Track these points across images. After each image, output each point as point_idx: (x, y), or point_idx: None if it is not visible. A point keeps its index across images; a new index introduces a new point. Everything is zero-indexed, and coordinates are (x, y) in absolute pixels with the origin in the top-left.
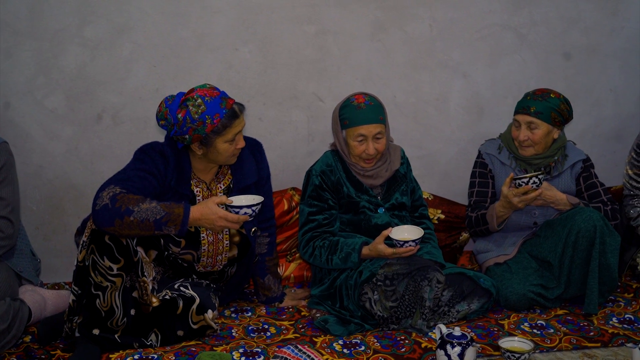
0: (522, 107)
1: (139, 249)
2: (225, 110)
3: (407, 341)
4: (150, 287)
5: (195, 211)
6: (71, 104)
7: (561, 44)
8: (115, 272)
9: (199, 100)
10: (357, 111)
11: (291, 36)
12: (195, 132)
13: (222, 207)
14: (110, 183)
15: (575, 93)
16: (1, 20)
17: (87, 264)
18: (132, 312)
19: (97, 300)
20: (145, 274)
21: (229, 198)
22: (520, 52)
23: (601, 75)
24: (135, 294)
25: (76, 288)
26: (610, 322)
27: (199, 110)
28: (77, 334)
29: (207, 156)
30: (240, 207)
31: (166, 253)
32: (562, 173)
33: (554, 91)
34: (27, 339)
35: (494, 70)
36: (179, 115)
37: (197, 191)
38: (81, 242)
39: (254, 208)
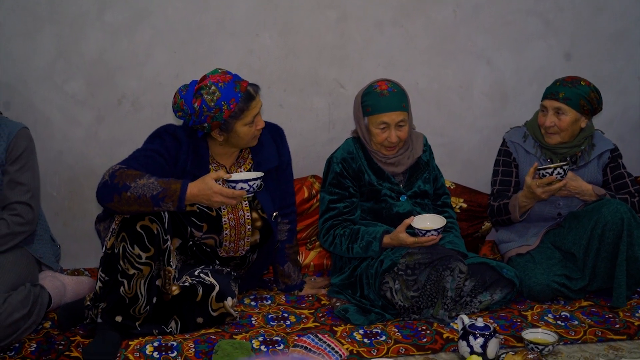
0: (551, 93)
1: (168, 238)
2: (240, 93)
3: (428, 331)
4: (173, 276)
5: (192, 187)
6: (91, 89)
7: (588, 29)
8: (143, 260)
9: (213, 87)
10: (380, 98)
11: (312, 22)
12: (213, 120)
13: (221, 183)
14: (117, 164)
15: (601, 80)
16: (21, 4)
17: (116, 251)
18: (154, 299)
19: (122, 288)
20: (170, 263)
21: (230, 174)
22: (545, 38)
23: (629, 62)
24: (158, 282)
25: (103, 275)
26: (637, 315)
27: (214, 98)
28: (99, 320)
29: (228, 141)
30: (237, 181)
31: (190, 242)
32: (589, 163)
33: (584, 79)
34: (47, 324)
35: (519, 56)
36: (195, 105)
37: None
38: (111, 229)
39: (250, 183)
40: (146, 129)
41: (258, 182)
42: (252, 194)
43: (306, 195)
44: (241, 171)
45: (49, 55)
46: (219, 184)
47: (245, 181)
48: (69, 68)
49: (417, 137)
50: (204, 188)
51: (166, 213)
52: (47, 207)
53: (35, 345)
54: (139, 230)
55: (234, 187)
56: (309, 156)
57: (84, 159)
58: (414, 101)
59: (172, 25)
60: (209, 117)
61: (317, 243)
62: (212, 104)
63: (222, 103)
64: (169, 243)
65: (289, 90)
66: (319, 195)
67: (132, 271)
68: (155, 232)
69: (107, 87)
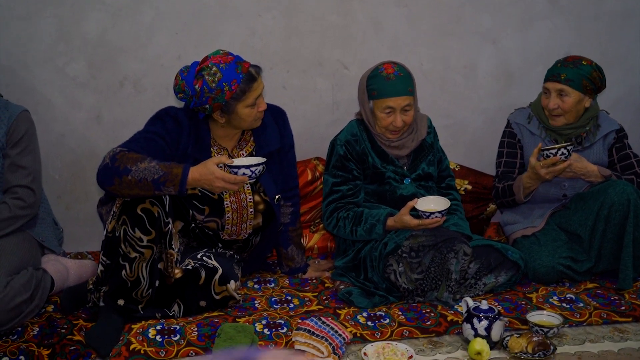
0: (552, 74)
1: (169, 220)
2: (242, 74)
3: (432, 314)
4: (175, 259)
5: (194, 171)
6: (93, 71)
7: (594, 9)
8: (145, 243)
9: (214, 68)
10: (386, 82)
11: (316, 2)
12: (215, 101)
13: (223, 168)
14: (118, 146)
15: (608, 60)
16: None
17: (117, 234)
18: (157, 283)
19: (123, 271)
20: (172, 246)
21: (232, 159)
22: (551, 18)
23: (636, 41)
24: (160, 266)
25: (105, 259)
26: None
27: (216, 79)
28: (101, 304)
29: (230, 123)
30: (239, 167)
31: (192, 225)
32: (594, 144)
33: (586, 58)
34: (50, 308)
35: (525, 36)
36: (196, 86)
37: None
38: (111, 213)
39: (252, 169)
40: (148, 111)
41: (260, 167)
42: (254, 179)
43: (310, 177)
44: (243, 154)
45: (49, 37)
46: (221, 169)
47: (248, 167)
48: (70, 50)
49: (422, 119)
50: (205, 173)
51: (167, 196)
52: (49, 191)
53: (37, 329)
54: (140, 213)
55: (236, 173)
56: (312, 138)
57: (86, 142)
58: (418, 82)
59: (174, 7)
60: (210, 98)
61: (321, 226)
62: (214, 85)
63: (224, 84)
64: (170, 226)
65: (292, 71)
66: (322, 178)
67: (133, 254)
68: (156, 215)
69: (108, 69)
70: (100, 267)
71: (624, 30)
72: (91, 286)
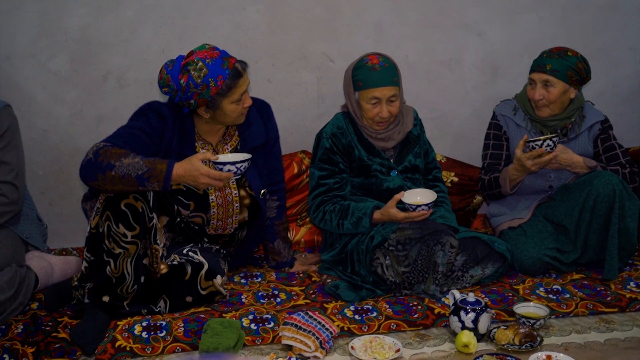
0: (538, 65)
1: (154, 215)
2: (228, 70)
3: (419, 307)
4: (160, 254)
5: (178, 168)
6: (75, 66)
7: (579, 1)
8: (129, 239)
9: (200, 63)
10: (371, 73)
11: None
12: (200, 97)
13: (208, 164)
14: (101, 141)
15: (593, 52)
16: None
17: (101, 230)
18: (142, 279)
19: (108, 267)
20: (157, 241)
21: (217, 155)
22: (537, 10)
23: (620, 33)
24: (146, 261)
25: (89, 255)
26: (628, 287)
27: (201, 74)
28: (86, 301)
29: (215, 119)
30: (224, 163)
31: (178, 219)
32: (580, 135)
33: (572, 49)
34: (34, 305)
35: (510, 28)
36: (182, 81)
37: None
38: (95, 209)
39: (238, 165)
40: (132, 106)
41: (245, 164)
42: (240, 176)
43: (296, 171)
44: (227, 148)
45: (31, 32)
46: (206, 165)
47: (233, 163)
48: (52, 45)
49: (408, 111)
50: (190, 169)
51: (151, 191)
52: (33, 187)
53: (22, 327)
54: (124, 208)
55: (221, 169)
56: (298, 131)
57: (70, 137)
58: (404, 75)
59: (158, 1)
60: (195, 93)
61: (308, 219)
62: (199, 80)
63: (209, 80)
64: (155, 221)
65: (277, 65)
66: (308, 171)
67: (118, 250)
68: (140, 210)
69: (91, 63)
70: (85, 264)
71: (609, 22)
72: (76, 283)
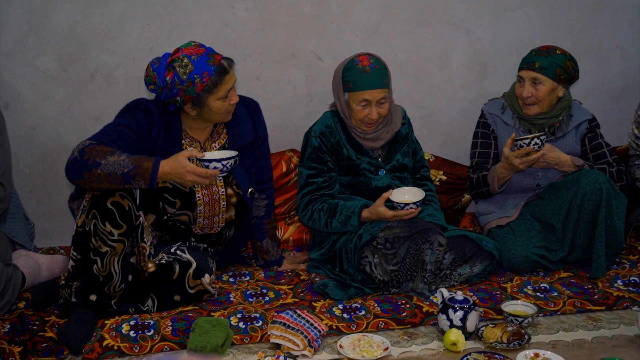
0: (527, 63)
1: (140, 214)
2: (213, 67)
3: (408, 305)
4: (148, 253)
5: (164, 165)
6: (63, 64)
7: None
8: (116, 237)
9: (186, 60)
10: (362, 75)
11: None
12: (186, 93)
13: (194, 161)
14: (87, 139)
15: (580, 50)
16: None
17: (87, 229)
18: (130, 277)
19: (95, 266)
20: (144, 239)
21: (203, 153)
22: (524, 8)
23: (608, 31)
24: (133, 260)
25: (75, 253)
26: (615, 285)
27: (187, 71)
28: (73, 299)
29: (201, 116)
30: (210, 160)
31: (165, 217)
32: (567, 134)
33: (560, 48)
34: (21, 304)
35: (498, 26)
36: (167, 78)
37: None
38: (81, 207)
39: (224, 162)
40: (120, 104)
41: (232, 161)
42: (226, 173)
43: (284, 169)
44: (215, 146)
45: (18, 29)
46: (193, 162)
47: (219, 160)
48: (39, 42)
49: (396, 110)
50: (176, 167)
51: (138, 189)
52: (20, 185)
53: (8, 326)
54: (110, 206)
55: (207, 166)
56: (286, 130)
57: (57, 135)
58: (392, 73)
59: None
60: (181, 90)
61: (296, 218)
62: (185, 77)
63: (195, 76)
64: (141, 219)
65: (265, 63)
66: (297, 170)
67: (104, 249)
68: (127, 208)
69: (79, 61)
70: (71, 262)
71: (597, 20)
72: (63, 282)
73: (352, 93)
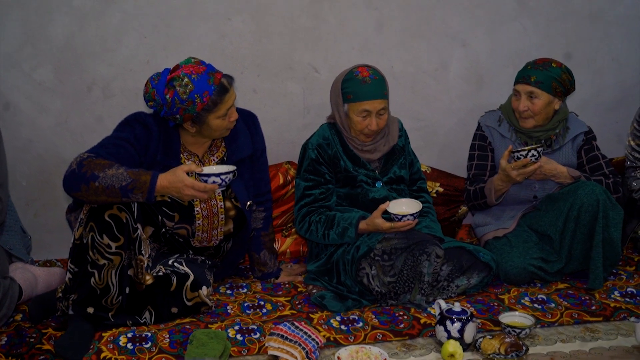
0: (522, 77)
1: (138, 226)
2: (214, 86)
3: (405, 317)
4: (145, 265)
5: (162, 179)
6: (60, 76)
7: (562, 10)
8: (113, 250)
9: (186, 79)
10: (362, 86)
11: (285, 4)
12: (185, 112)
13: (192, 176)
14: (85, 152)
15: (576, 62)
16: None
17: (85, 241)
18: (127, 290)
19: (92, 279)
20: (142, 251)
21: (202, 167)
22: (520, 19)
23: (604, 43)
24: (130, 272)
25: (73, 266)
26: (612, 296)
27: (187, 90)
28: (70, 312)
29: (201, 133)
30: (209, 175)
31: (163, 230)
32: (563, 146)
33: (556, 60)
34: (18, 317)
35: (494, 38)
36: (167, 96)
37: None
38: (79, 219)
39: (222, 177)
40: (117, 116)
41: (230, 175)
42: (225, 187)
43: (281, 181)
44: (214, 160)
45: (15, 41)
46: (191, 177)
47: (218, 175)
48: (36, 54)
49: (393, 122)
50: (174, 180)
51: (135, 202)
52: (17, 198)
53: (5, 339)
54: (108, 219)
55: (205, 181)
56: (283, 142)
57: (54, 148)
58: (389, 85)
59: (142, 9)
60: (181, 109)
61: (293, 230)
62: (185, 96)
63: (195, 96)
64: (139, 232)
65: (262, 75)
66: (294, 182)
67: (102, 261)
68: (125, 220)
69: (76, 73)
70: (69, 275)
71: (592, 32)
72: (60, 294)
73: (352, 104)
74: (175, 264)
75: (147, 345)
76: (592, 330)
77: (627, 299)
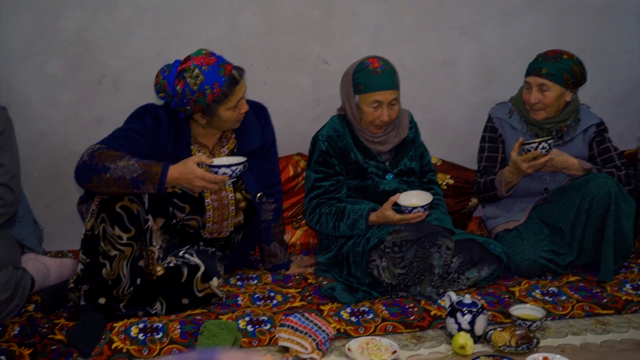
0: (534, 69)
1: (149, 217)
2: (224, 78)
3: (416, 309)
4: (156, 256)
5: (173, 170)
6: (71, 69)
7: (574, 3)
8: (125, 241)
9: (197, 70)
10: (374, 76)
11: None
12: (196, 103)
13: (203, 167)
14: (96, 143)
15: (588, 54)
16: None
17: (96, 232)
18: (138, 281)
19: (104, 270)
20: (153, 243)
21: (212, 158)
22: (532, 12)
23: (616, 35)
24: (141, 263)
25: (84, 257)
26: (624, 289)
27: (198, 81)
28: (82, 303)
29: (211, 124)
30: (219, 166)
31: (173, 221)
32: (575, 138)
33: (567, 52)
34: (31, 307)
35: (505, 31)
36: (178, 88)
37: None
38: (90, 211)
39: (233, 168)
40: (128, 109)
41: (241, 166)
42: (235, 179)
43: (291, 173)
44: (224, 151)
45: (26, 34)
46: (201, 168)
47: (228, 166)
48: (47, 47)
49: (404, 115)
50: (185, 172)
51: (146, 194)
52: (29, 189)
53: (18, 329)
54: (119, 210)
55: (216, 172)
56: (294, 134)
57: (66, 140)
58: (399, 77)
59: (153, 2)
60: (191, 100)
61: (304, 221)
62: (195, 87)
63: (206, 87)
64: (150, 223)
65: (273, 67)
66: (304, 174)
67: (113, 252)
68: (136, 212)
69: (87, 66)
70: (80, 266)
71: (604, 25)
72: (72, 285)
73: (364, 95)
74: (186, 255)
75: (159, 336)
76: (604, 323)
77: (639, 292)
